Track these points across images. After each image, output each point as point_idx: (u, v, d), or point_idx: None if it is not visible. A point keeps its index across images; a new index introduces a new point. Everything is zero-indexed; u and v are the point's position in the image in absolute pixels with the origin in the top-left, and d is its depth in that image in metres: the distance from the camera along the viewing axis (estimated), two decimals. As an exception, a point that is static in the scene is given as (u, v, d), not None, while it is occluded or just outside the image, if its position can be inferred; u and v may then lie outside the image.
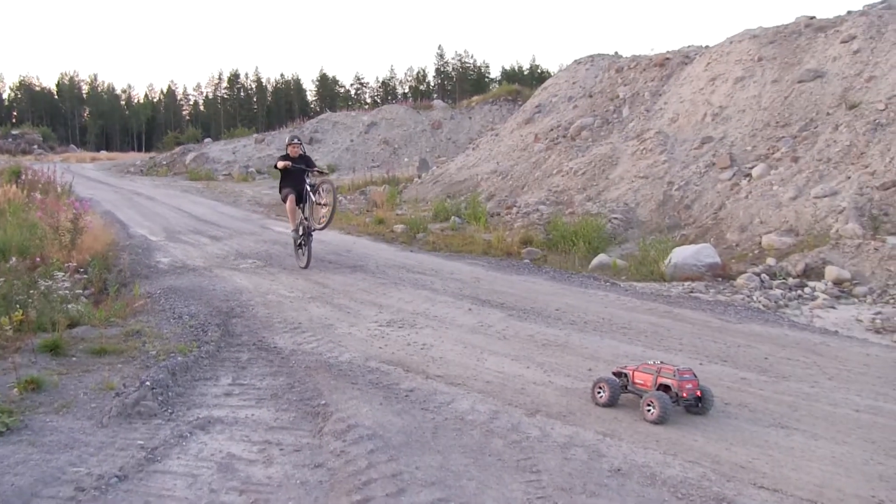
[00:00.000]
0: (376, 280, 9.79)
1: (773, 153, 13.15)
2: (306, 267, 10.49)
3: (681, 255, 10.50)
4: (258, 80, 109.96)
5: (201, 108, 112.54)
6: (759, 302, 8.67)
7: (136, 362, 5.85)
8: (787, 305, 8.61)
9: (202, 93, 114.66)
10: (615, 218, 13.65)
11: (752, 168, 13.03)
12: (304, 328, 7.14)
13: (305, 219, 10.62)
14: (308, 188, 10.59)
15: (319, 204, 10.47)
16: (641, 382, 4.97)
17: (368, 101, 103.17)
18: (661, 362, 5.06)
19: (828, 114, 13.17)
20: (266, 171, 34.91)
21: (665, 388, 4.80)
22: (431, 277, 10.07)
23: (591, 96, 20.46)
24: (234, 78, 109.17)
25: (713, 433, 4.55)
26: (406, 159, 34.74)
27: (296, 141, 10.98)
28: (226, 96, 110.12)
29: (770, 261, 10.18)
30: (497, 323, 7.39)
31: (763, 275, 9.66)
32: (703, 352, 6.50)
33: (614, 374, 5.17)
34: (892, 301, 8.34)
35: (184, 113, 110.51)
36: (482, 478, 3.87)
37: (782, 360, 6.29)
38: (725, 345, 6.74)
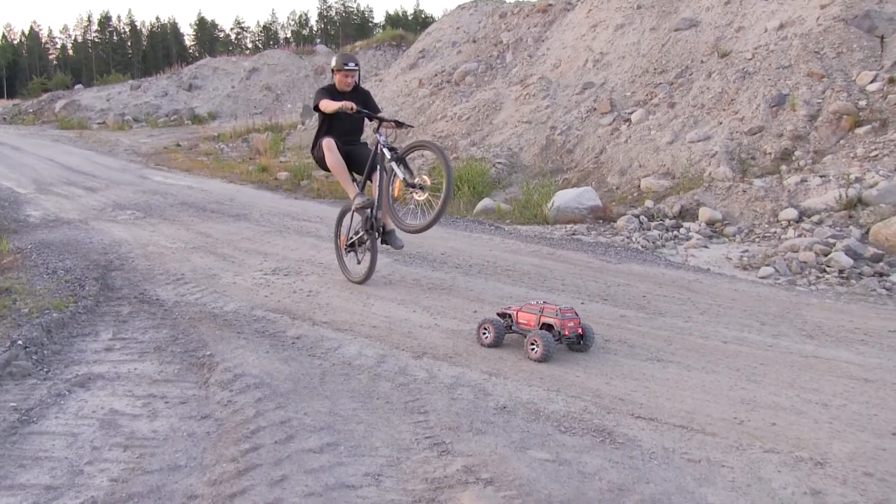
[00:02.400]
0: (260, 228, 9.56)
1: (651, 99, 13.52)
2: (363, 281, 6.71)
3: (563, 198, 10.71)
4: (132, 24, 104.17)
5: (70, 52, 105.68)
6: (638, 243, 8.96)
7: (7, 321, 5.46)
8: (664, 246, 8.94)
9: (70, 36, 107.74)
10: (499, 162, 13.76)
11: (631, 113, 13.37)
12: (187, 279, 6.90)
13: (366, 203, 6.59)
14: (383, 151, 6.37)
15: (413, 186, 6.14)
16: (525, 322, 5.05)
17: (249, 46, 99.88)
18: (544, 302, 5.14)
19: (702, 62, 13.61)
20: (143, 119, 33.28)
21: (548, 327, 4.89)
22: (317, 224, 9.92)
23: (474, 42, 20.41)
24: (105, 20, 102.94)
25: (594, 369, 4.68)
26: (289, 106, 33.89)
27: (351, 65, 6.75)
28: (97, 40, 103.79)
29: (648, 203, 10.52)
30: (383, 268, 7.35)
31: (642, 217, 9.99)
32: (584, 291, 6.67)
33: (499, 315, 5.22)
34: (757, 240, 8.79)
35: (50, 57, 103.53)
36: (371, 421, 3.85)
37: (659, 297, 6.54)
38: (606, 284, 6.94)
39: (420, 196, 6.17)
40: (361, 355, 4.86)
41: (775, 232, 8.83)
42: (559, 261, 7.95)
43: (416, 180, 6.18)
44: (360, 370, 4.59)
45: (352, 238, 6.87)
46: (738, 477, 3.28)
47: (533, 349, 4.79)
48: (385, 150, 6.35)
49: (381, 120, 6.57)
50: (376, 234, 6.62)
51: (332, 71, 6.85)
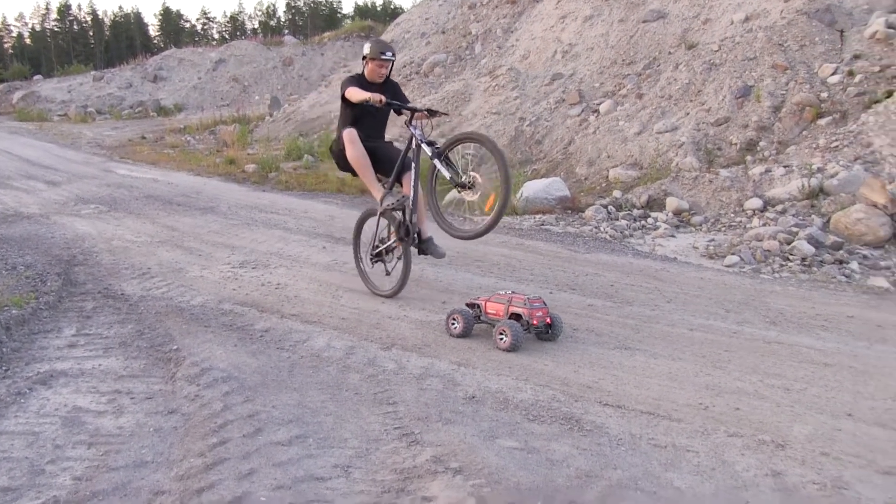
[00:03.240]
0: (228, 221, 9.48)
1: (619, 90, 13.60)
2: (393, 295, 6.04)
3: (532, 188, 10.75)
4: (93, 13, 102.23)
5: (27, 41, 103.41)
6: (606, 233, 9.03)
7: (-38, 319, 5.38)
8: (631, 235, 9.02)
9: (27, 24, 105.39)
10: (468, 153, 13.73)
11: (599, 104, 13.44)
12: (153, 273, 6.82)
13: (397, 205, 5.94)
14: (420, 145, 5.75)
15: (461, 185, 5.43)
16: (494, 312, 5.07)
17: (216, 36, 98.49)
18: (513, 292, 5.17)
19: (669, 53, 13.72)
20: (107, 111, 32.76)
21: (516, 316, 4.93)
22: (285, 217, 9.86)
23: (443, 33, 20.38)
24: (64, 9, 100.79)
25: (562, 357, 4.72)
26: (257, 97, 33.57)
27: (388, 55, 5.99)
28: (56, 29, 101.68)
29: (616, 193, 10.60)
30: (352, 260, 7.33)
31: (610, 207, 10.06)
32: (553, 281, 6.72)
33: (467, 305, 5.25)
34: (723, 229, 8.90)
35: (6, 46, 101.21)
36: (340, 413, 3.85)
37: (627, 286, 6.60)
38: (574, 274, 6.99)
39: (471, 196, 5.41)
40: (330, 347, 4.86)
41: (740, 221, 8.95)
42: (528, 251, 8.00)
43: (464, 178, 5.45)
44: (328, 362, 4.59)
45: (378, 247, 6.19)
46: (703, 461, 3.34)
47: (502, 339, 4.82)
48: (424, 145, 5.66)
49: (414, 110, 5.90)
50: (411, 240, 5.88)
51: (364, 59, 6.06)
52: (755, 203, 9.12)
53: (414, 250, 5.98)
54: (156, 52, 53.09)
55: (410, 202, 5.85)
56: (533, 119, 14.14)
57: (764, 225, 8.46)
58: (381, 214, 6.08)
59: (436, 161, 5.55)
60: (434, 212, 5.76)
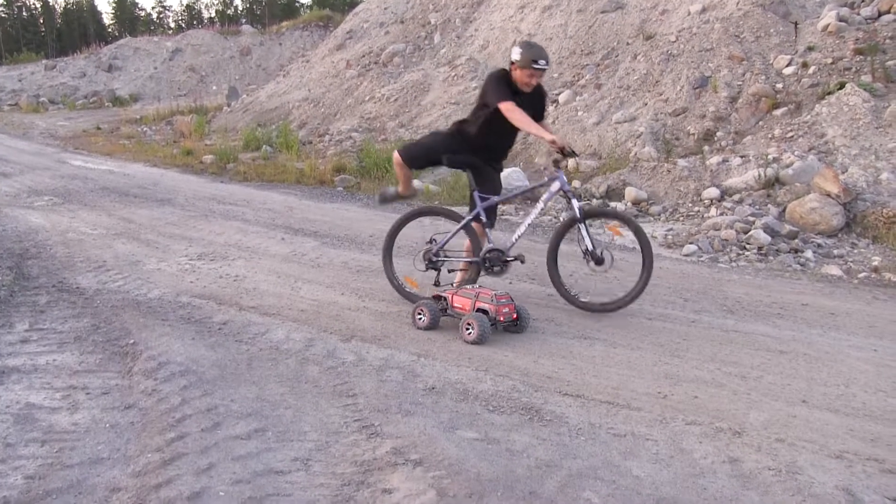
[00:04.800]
0: (185, 213, 9.33)
1: (578, 80, 13.67)
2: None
3: (493, 179, 10.73)
4: (44, 0, 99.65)
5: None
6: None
7: None
8: (591, 225, 9.05)
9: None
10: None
11: (558, 94, 13.49)
12: (109, 266, 6.68)
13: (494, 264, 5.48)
14: (568, 199, 5.37)
15: (597, 259, 5.29)
16: (460, 306, 5.06)
17: (172, 25, 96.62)
18: (480, 286, 5.16)
19: (627, 44, 13.82)
20: (60, 101, 32.02)
21: (483, 312, 4.92)
22: (243, 208, 9.74)
23: (402, 22, 20.28)
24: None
25: (522, 348, 4.73)
26: (214, 87, 33.11)
27: (542, 64, 5.24)
28: (3, 16, 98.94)
29: (576, 183, 10.65)
30: (311, 251, 7.28)
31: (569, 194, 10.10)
32: (512, 272, 6.71)
33: (433, 297, 5.23)
34: (681, 218, 9.00)
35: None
36: (299, 405, 3.82)
37: (586, 276, 6.62)
38: (534, 264, 6.99)
39: (602, 270, 5.25)
40: (289, 339, 4.81)
41: (698, 211, 9.06)
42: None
43: (600, 252, 5.23)
44: (287, 354, 4.55)
45: (440, 257, 5.71)
46: (661, 449, 3.37)
47: (469, 331, 4.80)
48: (574, 200, 5.29)
49: (564, 152, 5.31)
50: (493, 268, 5.51)
51: (513, 65, 5.33)
52: (713, 193, 9.24)
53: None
54: (110, 41, 52.05)
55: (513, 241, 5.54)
56: (493, 109, 14.12)
57: (721, 214, 8.57)
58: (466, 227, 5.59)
59: (581, 225, 5.30)
60: (552, 271, 5.53)
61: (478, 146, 5.52)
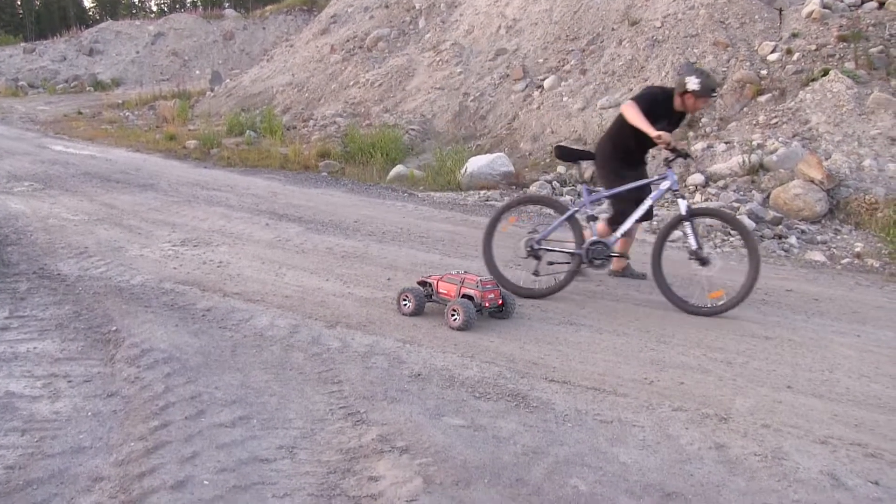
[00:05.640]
0: (169, 199, 9.24)
1: (563, 66, 13.63)
2: (526, 295, 5.55)
3: (476, 164, 10.73)
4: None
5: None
6: (551, 209, 9.06)
7: None
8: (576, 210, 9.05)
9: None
10: (412, 129, 13.68)
11: (543, 80, 13.45)
12: (91, 252, 6.59)
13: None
14: (678, 200, 5.44)
15: (702, 260, 5.35)
16: (445, 292, 5.03)
17: (154, 9, 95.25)
18: (465, 272, 5.14)
19: (612, 29, 13.78)
20: (40, 85, 31.59)
21: (468, 298, 4.89)
22: (227, 194, 9.66)
23: (387, 7, 20.11)
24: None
25: (508, 334, 4.72)
26: (197, 72, 32.77)
27: (714, 94, 5.78)
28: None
29: (560, 169, 10.65)
30: (295, 237, 7.22)
31: (554, 182, 10.10)
32: (497, 257, 6.68)
33: (419, 283, 5.21)
34: (666, 204, 9.00)
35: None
36: (284, 392, 3.78)
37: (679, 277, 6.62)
38: (520, 249, 6.98)
39: (706, 272, 5.27)
40: (273, 326, 4.77)
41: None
42: (472, 227, 7.97)
43: (706, 252, 5.29)
44: (272, 341, 4.51)
45: (542, 247, 5.70)
46: (648, 435, 3.37)
47: (454, 317, 4.78)
48: (680, 200, 5.34)
49: (676, 153, 5.46)
50: (595, 263, 5.52)
51: (685, 92, 5.35)
52: (697, 178, 9.25)
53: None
54: (91, 25, 51.27)
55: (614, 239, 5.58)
56: (477, 94, 14.09)
57: (706, 200, 8.59)
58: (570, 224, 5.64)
59: (687, 224, 5.30)
60: (656, 271, 5.41)
61: (629, 154, 5.77)
